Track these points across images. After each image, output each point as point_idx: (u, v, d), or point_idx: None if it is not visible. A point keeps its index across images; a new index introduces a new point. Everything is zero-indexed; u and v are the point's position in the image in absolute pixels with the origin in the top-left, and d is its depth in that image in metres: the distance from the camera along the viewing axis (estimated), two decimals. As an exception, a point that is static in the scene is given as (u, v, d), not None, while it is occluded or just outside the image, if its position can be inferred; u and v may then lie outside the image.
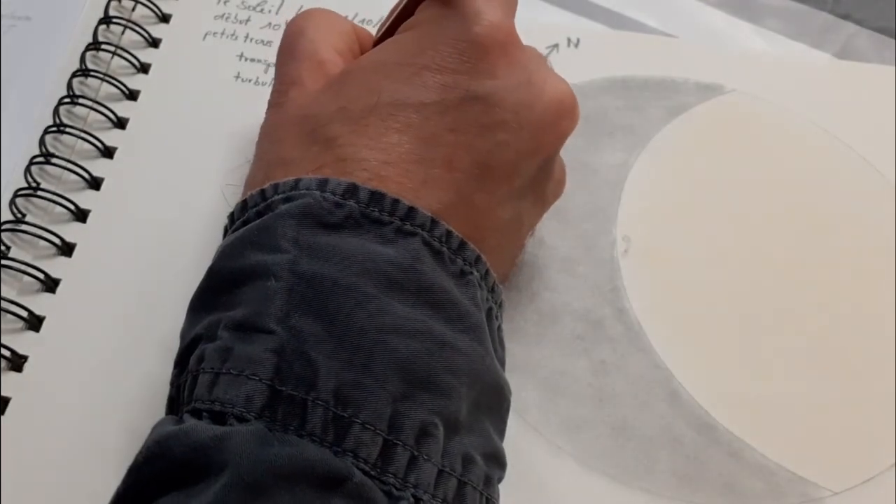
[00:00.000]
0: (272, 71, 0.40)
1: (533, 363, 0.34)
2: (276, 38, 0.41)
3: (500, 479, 0.26)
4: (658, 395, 0.33)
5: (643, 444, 0.32)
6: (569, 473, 0.32)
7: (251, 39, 0.41)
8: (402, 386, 0.23)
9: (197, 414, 0.23)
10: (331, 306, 0.24)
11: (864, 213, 0.37)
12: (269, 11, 0.42)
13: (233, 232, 0.27)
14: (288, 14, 0.42)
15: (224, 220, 0.29)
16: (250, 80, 0.40)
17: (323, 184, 0.26)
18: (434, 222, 0.26)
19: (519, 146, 0.28)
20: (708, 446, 0.32)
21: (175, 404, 0.26)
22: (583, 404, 0.33)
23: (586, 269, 0.36)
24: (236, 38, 0.41)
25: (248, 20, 0.42)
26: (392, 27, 0.31)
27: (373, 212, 0.25)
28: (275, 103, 0.30)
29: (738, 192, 0.37)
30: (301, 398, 0.23)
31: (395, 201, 0.25)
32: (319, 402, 0.23)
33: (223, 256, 0.26)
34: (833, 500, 0.31)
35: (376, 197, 0.25)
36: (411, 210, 0.26)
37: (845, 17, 0.43)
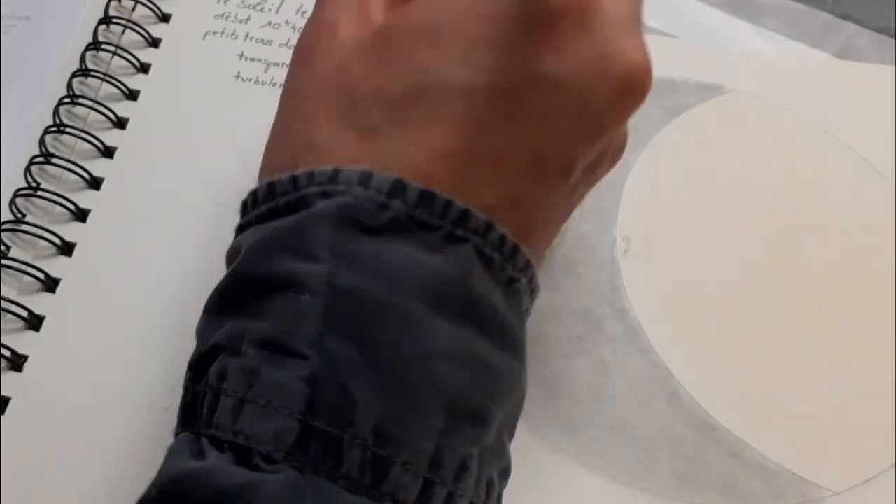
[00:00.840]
0: (272, 70, 0.40)
1: (533, 363, 0.33)
2: (276, 37, 0.41)
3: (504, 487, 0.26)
4: (658, 395, 0.33)
5: (643, 444, 0.32)
6: (569, 473, 0.32)
7: (251, 39, 0.41)
8: (447, 419, 0.22)
9: (218, 444, 0.21)
10: (372, 328, 0.21)
11: (864, 213, 0.37)
12: (269, 10, 0.42)
13: (258, 219, 0.24)
14: (288, 13, 0.42)
15: (225, 221, 0.28)
16: (250, 80, 0.40)
17: (366, 178, 0.23)
18: (489, 227, 0.23)
19: (579, 134, 0.24)
20: (708, 446, 0.32)
21: (190, 414, 0.23)
22: (583, 404, 0.33)
23: (586, 269, 0.35)
24: (236, 37, 0.41)
25: (248, 19, 0.42)
26: None
27: (421, 214, 0.22)
28: (302, 54, 0.26)
29: (738, 192, 0.37)
30: (336, 435, 0.21)
31: (448, 203, 0.23)
32: (357, 441, 0.21)
33: (250, 258, 0.23)
34: (833, 500, 0.31)
35: (426, 197, 0.22)
36: (465, 213, 0.23)
37: (845, 17, 0.43)
